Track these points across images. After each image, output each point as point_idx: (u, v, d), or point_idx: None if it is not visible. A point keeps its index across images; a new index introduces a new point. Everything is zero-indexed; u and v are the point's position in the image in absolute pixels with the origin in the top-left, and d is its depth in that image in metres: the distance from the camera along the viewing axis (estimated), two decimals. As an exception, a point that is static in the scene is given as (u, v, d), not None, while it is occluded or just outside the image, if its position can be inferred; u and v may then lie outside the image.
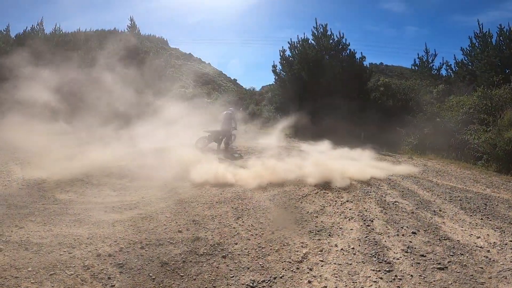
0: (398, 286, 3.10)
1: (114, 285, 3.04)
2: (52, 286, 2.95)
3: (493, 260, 3.57)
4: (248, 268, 3.41)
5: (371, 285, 3.12)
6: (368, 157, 9.52)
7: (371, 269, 3.39)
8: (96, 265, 3.33)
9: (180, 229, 4.22)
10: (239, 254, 3.68)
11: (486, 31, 14.31)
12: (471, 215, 4.99)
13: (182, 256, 3.58)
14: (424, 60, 16.39)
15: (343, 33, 16.24)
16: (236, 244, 3.91)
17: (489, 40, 14.20)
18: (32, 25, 20.66)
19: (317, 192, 5.93)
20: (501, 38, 13.91)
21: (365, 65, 16.55)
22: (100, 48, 16.12)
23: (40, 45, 15.53)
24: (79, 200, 5.12)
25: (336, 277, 3.27)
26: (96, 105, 12.09)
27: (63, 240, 3.77)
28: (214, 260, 3.54)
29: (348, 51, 16.17)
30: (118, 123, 11.19)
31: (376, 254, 3.70)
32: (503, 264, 3.49)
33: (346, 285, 3.14)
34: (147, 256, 3.54)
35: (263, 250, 3.79)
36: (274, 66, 17.93)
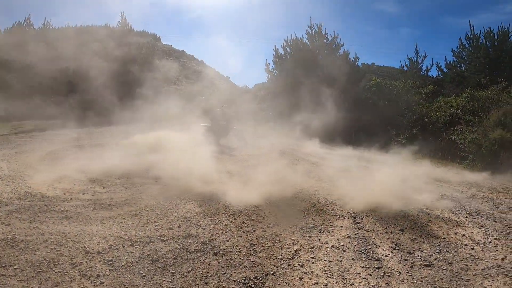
0: (386, 283, 3.16)
1: (103, 283, 3.01)
2: (39, 284, 2.91)
3: (478, 258, 3.66)
4: (240, 265, 3.42)
5: (360, 282, 3.17)
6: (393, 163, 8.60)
7: (360, 266, 3.44)
8: (85, 262, 3.29)
9: (171, 226, 4.19)
10: (230, 251, 3.68)
11: (477, 33, 14.59)
12: (457, 213, 5.11)
13: (173, 253, 3.57)
14: (414, 61, 16.65)
15: (337, 33, 16.37)
16: (228, 241, 3.92)
17: (478, 42, 14.49)
18: (19, 21, 19.97)
19: (308, 189, 5.97)
20: (487, 41, 14.22)
21: (358, 65, 16.73)
22: (89, 44, 15.79)
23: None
24: (67, 197, 5.03)
25: (326, 273, 3.31)
26: (85, 102, 11.88)
27: (50, 237, 3.71)
28: (206, 257, 3.53)
29: (341, 51, 16.30)
30: (107, 120, 11.02)
31: (365, 251, 3.76)
32: (487, 261, 3.59)
33: (336, 282, 3.18)
34: (137, 253, 3.52)
35: (255, 247, 3.81)
36: (267, 65, 17.96)
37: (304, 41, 16.79)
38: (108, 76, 13.09)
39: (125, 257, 3.43)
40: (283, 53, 17.28)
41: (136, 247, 3.63)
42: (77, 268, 3.20)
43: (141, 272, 3.21)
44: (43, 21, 20.13)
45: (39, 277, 3.00)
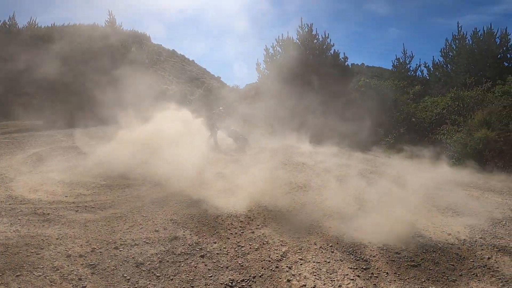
0: (374, 284, 3.16)
1: (85, 286, 2.96)
2: (19, 287, 2.84)
3: (464, 258, 3.68)
4: (227, 268, 3.38)
5: (348, 284, 3.16)
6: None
7: (348, 267, 3.43)
8: (66, 266, 3.21)
9: (157, 229, 4.11)
10: (218, 254, 3.63)
11: (464, 34, 14.88)
12: (443, 212, 5.15)
13: (159, 256, 3.49)
14: (401, 61, 16.87)
15: (328, 33, 16.43)
16: (215, 243, 3.86)
17: (464, 42, 14.78)
18: (4, 20, 19.24)
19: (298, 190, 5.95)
20: (473, 42, 14.52)
21: (347, 65, 16.87)
22: (76, 43, 15.38)
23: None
24: (49, 199, 4.88)
25: (315, 275, 3.28)
26: (69, 103, 11.59)
27: (31, 241, 3.61)
28: (192, 260, 3.47)
29: (332, 51, 16.40)
30: (93, 121, 10.74)
31: (353, 252, 3.74)
32: (473, 261, 3.61)
33: (324, 284, 3.16)
34: (122, 256, 3.43)
35: (243, 249, 3.76)
36: (258, 64, 17.91)
37: (295, 41, 16.82)
38: (94, 76, 12.81)
39: (109, 260, 3.35)
40: (273, 53, 17.27)
41: (120, 250, 3.54)
42: (58, 271, 3.12)
43: (125, 275, 3.14)
44: (28, 20, 19.52)
45: (19, 280, 2.94)
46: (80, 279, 3.03)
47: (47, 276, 3.04)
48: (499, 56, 14.27)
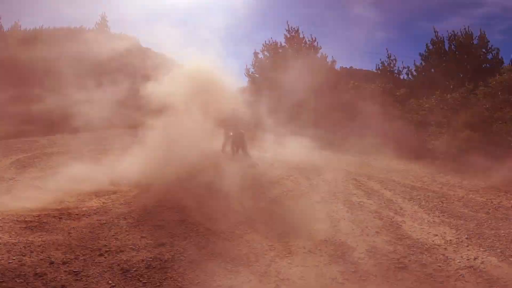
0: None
1: (68, 294, 2.86)
2: (1, 295, 2.75)
3: (450, 258, 3.71)
4: (215, 273, 3.33)
5: (337, 287, 3.16)
6: None
7: (337, 270, 3.42)
8: (49, 273, 3.13)
9: (143, 235, 4.02)
10: (206, 259, 3.58)
11: (442, 37, 15.22)
12: (429, 213, 5.19)
13: (145, 262, 3.43)
14: (386, 64, 17.14)
15: (315, 37, 16.61)
16: (204, 248, 3.81)
17: (443, 46, 15.15)
18: None
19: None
20: (454, 44, 14.89)
21: (336, 68, 17.08)
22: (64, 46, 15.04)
23: None
24: (32, 206, 4.72)
25: (303, 280, 3.27)
26: (57, 108, 11.29)
27: (12, 247, 3.50)
28: (180, 266, 3.42)
29: (319, 54, 16.57)
30: (79, 127, 10.47)
31: (342, 255, 3.75)
32: (459, 262, 3.64)
33: (313, 288, 3.15)
34: (106, 263, 3.36)
35: (231, 254, 3.72)
36: (247, 69, 17.95)
37: (283, 45, 16.95)
38: (83, 80, 12.56)
39: (93, 267, 3.27)
40: (262, 57, 17.36)
41: (105, 257, 3.46)
42: (41, 278, 3.05)
43: (110, 282, 3.08)
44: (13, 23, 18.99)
45: (1, 287, 2.87)
46: (63, 286, 2.97)
47: (30, 283, 2.97)
48: (480, 58, 14.61)
